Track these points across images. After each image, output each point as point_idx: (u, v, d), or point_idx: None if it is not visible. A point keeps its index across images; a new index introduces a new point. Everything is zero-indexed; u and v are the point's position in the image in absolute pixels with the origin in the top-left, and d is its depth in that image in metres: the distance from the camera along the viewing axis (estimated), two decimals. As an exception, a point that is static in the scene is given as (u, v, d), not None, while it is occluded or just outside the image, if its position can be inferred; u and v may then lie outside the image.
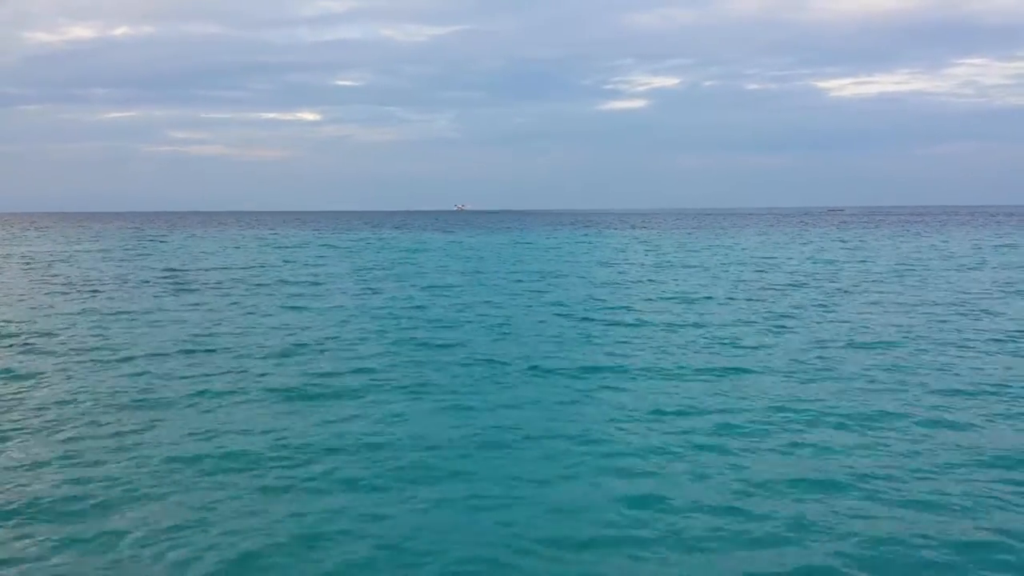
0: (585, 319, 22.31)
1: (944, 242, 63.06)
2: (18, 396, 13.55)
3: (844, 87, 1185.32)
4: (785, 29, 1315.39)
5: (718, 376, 14.90)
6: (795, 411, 12.29)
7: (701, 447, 10.63)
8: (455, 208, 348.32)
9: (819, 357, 16.48)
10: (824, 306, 24.64)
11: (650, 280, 33.41)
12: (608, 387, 14.17)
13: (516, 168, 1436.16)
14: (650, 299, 26.74)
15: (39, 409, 12.68)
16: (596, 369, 15.64)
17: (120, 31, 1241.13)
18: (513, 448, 10.74)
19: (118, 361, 16.54)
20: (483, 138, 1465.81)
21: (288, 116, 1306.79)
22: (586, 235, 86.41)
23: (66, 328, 20.92)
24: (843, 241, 66.97)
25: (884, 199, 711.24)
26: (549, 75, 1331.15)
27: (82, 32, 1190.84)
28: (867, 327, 20.31)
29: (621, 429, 11.50)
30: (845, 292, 28.42)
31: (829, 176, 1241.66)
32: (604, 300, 26.73)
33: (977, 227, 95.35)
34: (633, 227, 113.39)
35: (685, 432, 11.29)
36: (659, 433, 11.29)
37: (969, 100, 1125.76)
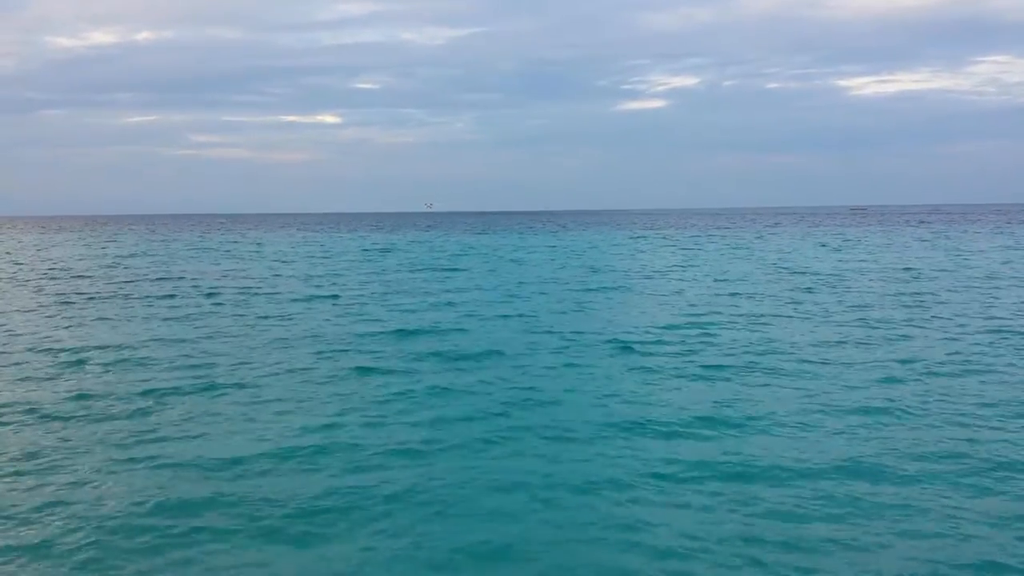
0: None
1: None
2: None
3: (865, 85, 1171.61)
4: (804, 27, 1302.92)
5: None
6: None
7: None
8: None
9: None
10: None
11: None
12: None
13: (534, 169, 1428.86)
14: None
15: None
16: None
17: (142, 36, 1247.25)
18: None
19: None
20: (501, 139, 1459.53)
21: (308, 119, 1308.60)
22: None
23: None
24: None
25: (906, 198, 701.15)
26: (567, 76, 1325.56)
27: (104, 37, 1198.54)
28: None
29: None
30: None
31: (851, 175, 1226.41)
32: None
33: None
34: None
35: None
36: None
37: (992, 98, 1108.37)
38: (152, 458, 10.24)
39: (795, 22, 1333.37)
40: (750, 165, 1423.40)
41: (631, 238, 77.47)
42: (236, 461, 10.09)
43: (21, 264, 48.02)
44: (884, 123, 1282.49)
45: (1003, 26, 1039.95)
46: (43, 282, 35.08)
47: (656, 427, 11.41)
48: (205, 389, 13.89)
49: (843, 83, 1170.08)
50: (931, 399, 12.74)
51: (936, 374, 14.53)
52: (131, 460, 10.16)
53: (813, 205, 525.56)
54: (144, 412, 12.48)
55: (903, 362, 15.53)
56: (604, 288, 30.13)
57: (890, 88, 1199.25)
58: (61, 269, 43.32)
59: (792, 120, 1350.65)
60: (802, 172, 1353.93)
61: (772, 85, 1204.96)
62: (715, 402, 12.74)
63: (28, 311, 24.85)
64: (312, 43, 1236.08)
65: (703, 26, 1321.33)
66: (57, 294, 29.75)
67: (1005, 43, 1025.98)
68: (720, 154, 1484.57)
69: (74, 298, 28.29)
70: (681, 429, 11.32)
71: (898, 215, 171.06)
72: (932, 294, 26.55)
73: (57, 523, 8.34)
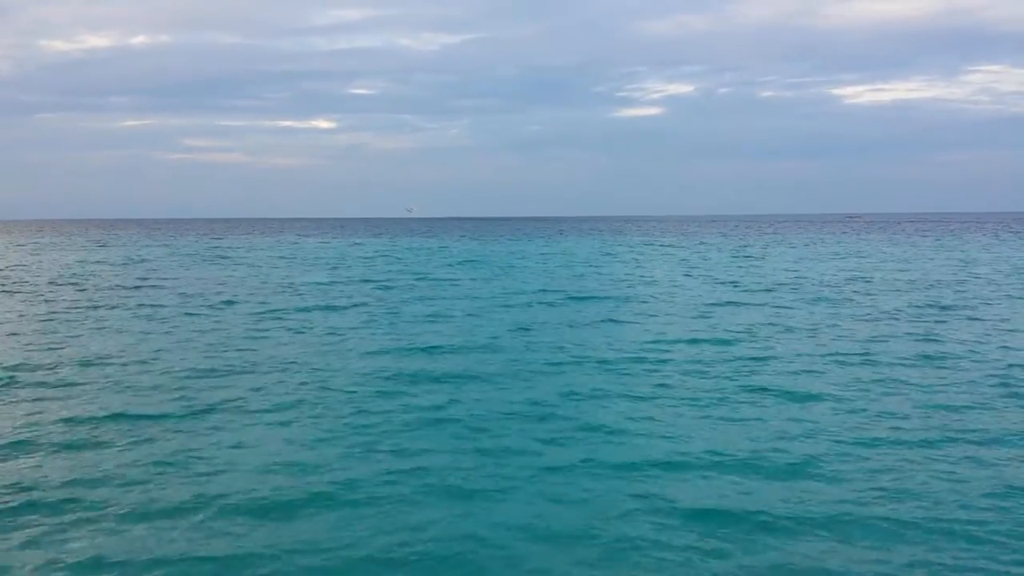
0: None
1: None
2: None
3: (859, 94, 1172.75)
4: (800, 36, 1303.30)
5: None
6: None
7: None
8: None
9: None
10: None
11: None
12: None
13: (530, 175, 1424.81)
14: None
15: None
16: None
17: (137, 40, 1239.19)
18: None
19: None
20: (497, 145, 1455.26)
21: (303, 124, 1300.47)
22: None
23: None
24: None
25: (900, 205, 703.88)
26: (563, 82, 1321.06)
27: (99, 41, 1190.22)
28: None
29: None
30: None
31: (845, 183, 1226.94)
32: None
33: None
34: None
35: None
36: None
37: (985, 107, 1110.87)
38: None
39: (790, 31, 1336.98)
40: (745, 172, 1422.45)
41: (638, 246, 77.26)
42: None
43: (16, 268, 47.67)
44: (878, 131, 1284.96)
45: (997, 36, 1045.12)
46: (50, 290, 34.73)
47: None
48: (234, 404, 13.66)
49: (838, 92, 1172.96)
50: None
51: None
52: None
53: (808, 212, 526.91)
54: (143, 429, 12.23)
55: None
56: (610, 298, 29.95)
57: (884, 97, 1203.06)
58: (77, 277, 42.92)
59: (787, 128, 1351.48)
60: (797, 180, 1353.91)
61: (767, 93, 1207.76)
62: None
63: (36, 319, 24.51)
64: (307, 48, 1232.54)
65: (699, 34, 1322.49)
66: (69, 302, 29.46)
67: (999, 53, 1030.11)
68: (715, 161, 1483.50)
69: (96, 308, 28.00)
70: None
71: (893, 223, 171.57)
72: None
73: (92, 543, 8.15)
